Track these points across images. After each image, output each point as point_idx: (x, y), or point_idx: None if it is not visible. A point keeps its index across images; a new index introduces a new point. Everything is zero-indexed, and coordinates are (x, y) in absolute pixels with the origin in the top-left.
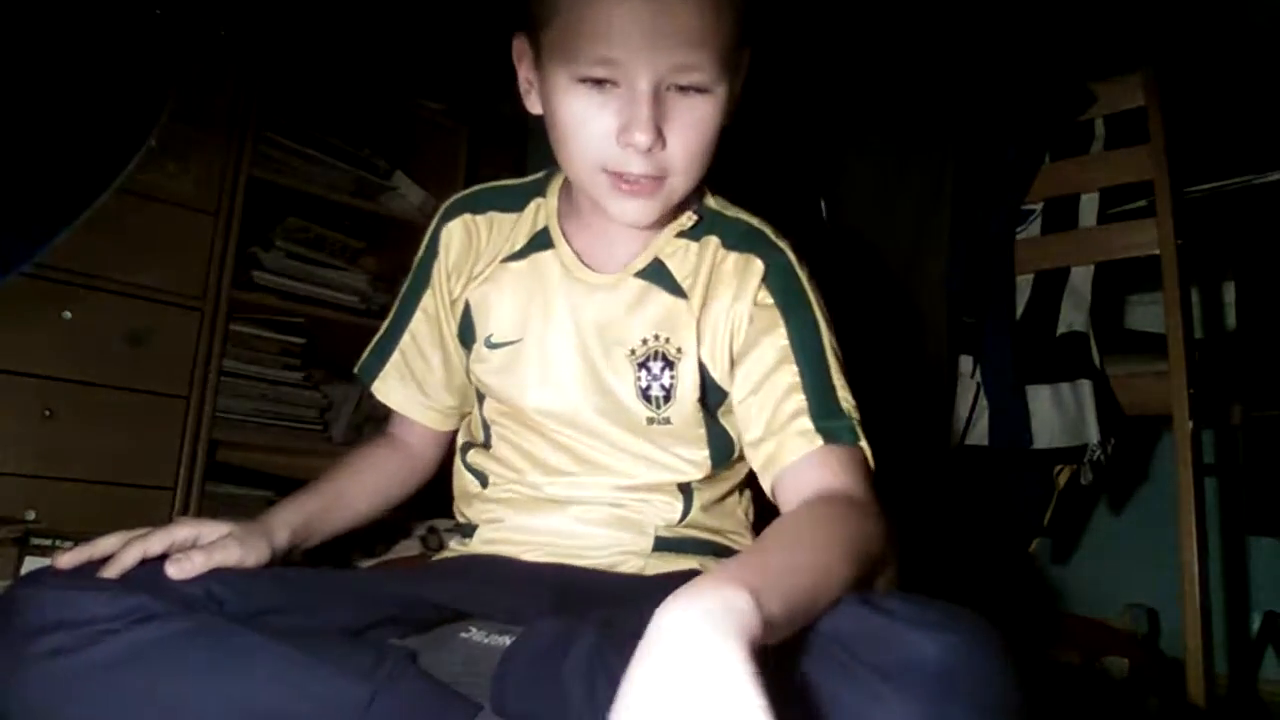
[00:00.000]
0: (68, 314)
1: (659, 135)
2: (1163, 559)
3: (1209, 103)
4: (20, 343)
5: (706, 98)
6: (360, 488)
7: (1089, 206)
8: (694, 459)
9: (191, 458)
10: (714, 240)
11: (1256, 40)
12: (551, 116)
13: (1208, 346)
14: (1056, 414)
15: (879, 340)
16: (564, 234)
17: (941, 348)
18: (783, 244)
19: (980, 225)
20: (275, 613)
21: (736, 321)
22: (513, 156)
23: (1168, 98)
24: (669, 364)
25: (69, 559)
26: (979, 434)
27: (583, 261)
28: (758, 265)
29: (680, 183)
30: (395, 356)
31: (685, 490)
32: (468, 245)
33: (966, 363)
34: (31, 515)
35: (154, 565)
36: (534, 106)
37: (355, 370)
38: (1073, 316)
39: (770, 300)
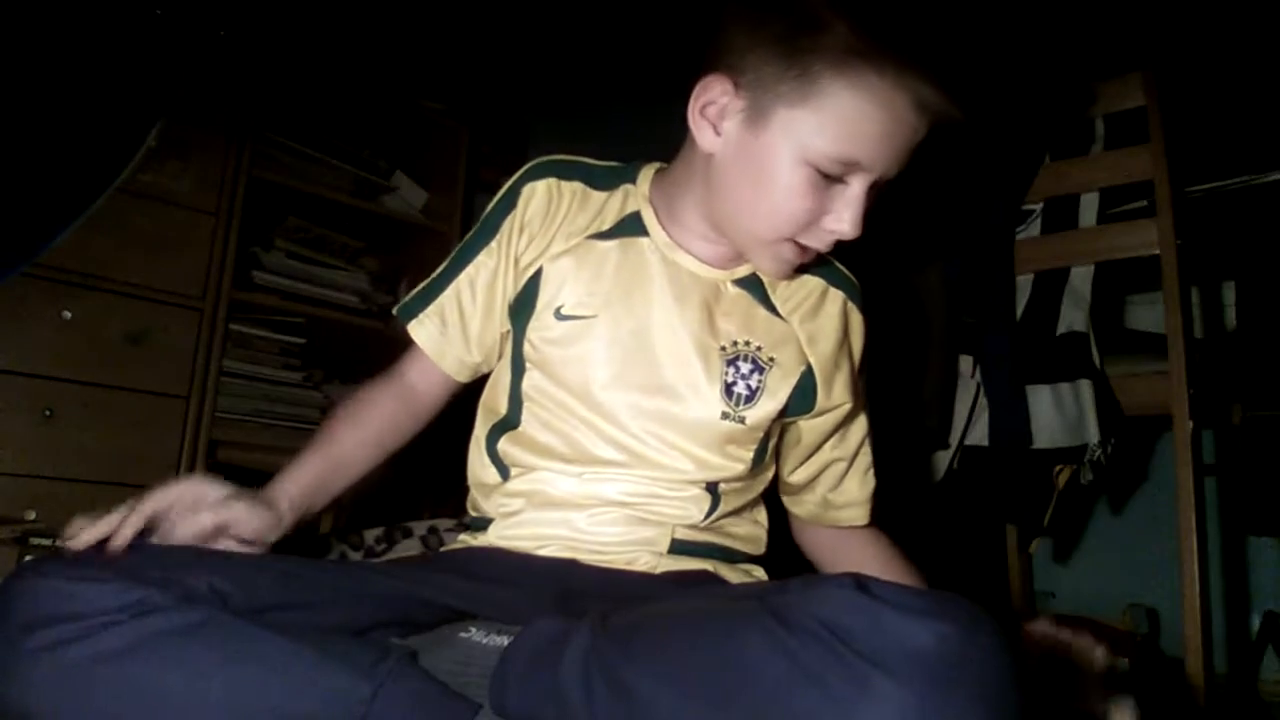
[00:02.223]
0: (68, 314)
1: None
2: (1163, 559)
3: (1209, 103)
4: (20, 343)
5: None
6: (362, 446)
7: (1089, 206)
8: (739, 457)
9: (191, 458)
10: (819, 280)
11: (1256, 40)
12: (754, 175)
13: (1208, 346)
14: (1056, 414)
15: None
16: (656, 218)
17: (941, 348)
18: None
19: (980, 225)
20: (278, 609)
21: (844, 375)
22: (513, 156)
23: (1168, 98)
24: (758, 368)
25: (86, 537)
26: (979, 434)
27: (678, 245)
28: (862, 324)
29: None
30: (440, 300)
31: (714, 491)
32: (547, 207)
33: (966, 363)
34: (31, 515)
35: (158, 557)
36: (709, 145)
37: (394, 311)
38: (1073, 316)
39: (861, 368)
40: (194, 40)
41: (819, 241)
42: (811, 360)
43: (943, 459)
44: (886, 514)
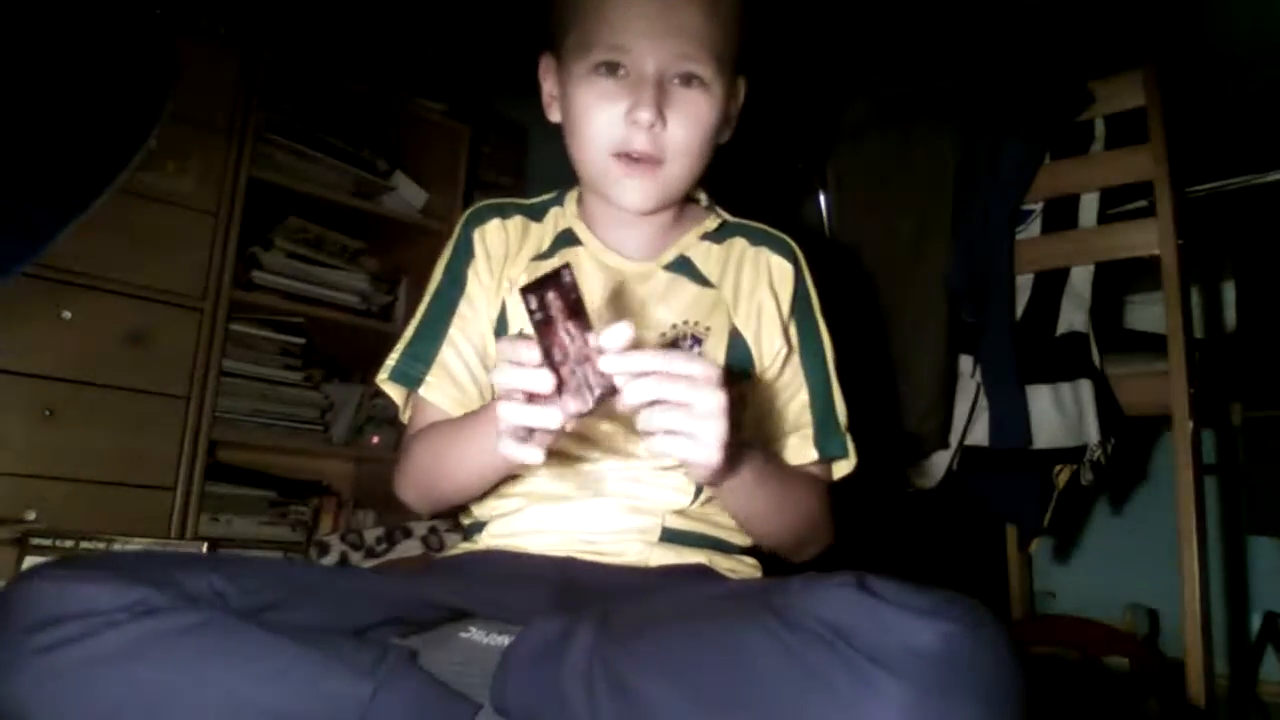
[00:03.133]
0: (68, 314)
1: (660, 116)
2: (1163, 559)
3: (1209, 103)
4: (20, 343)
5: (704, 93)
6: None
7: (1089, 206)
8: None
9: (191, 458)
10: (740, 240)
11: (1257, 40)
12: (569, 113)
13: (1208, 346)
14: (1056, 414)
15: (877, 340)
16: (588, 228)
17: (941, 348)
18: (799, 253)
19: (981, 225)
20: (277, 609)
21: (770, 321)
22: (513, 156)
23: (1168, 98)
24: (698, 342)
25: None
26: (979, 434)
27: (608, 248)
28: (788, 271)
29: (676, 170)
30: (440, 359)
31: None
32: (501, 244)
33: (966, 363)
34: (31, 515)
35: (157, 558)
36: (554, 115)
37: (386, 377)
38: (1073, 316)
39: (791, 312)
40: (194, 39)
41: (640, 141)
42: (737, 319)
43: (943, 459)
44: (888, 517)
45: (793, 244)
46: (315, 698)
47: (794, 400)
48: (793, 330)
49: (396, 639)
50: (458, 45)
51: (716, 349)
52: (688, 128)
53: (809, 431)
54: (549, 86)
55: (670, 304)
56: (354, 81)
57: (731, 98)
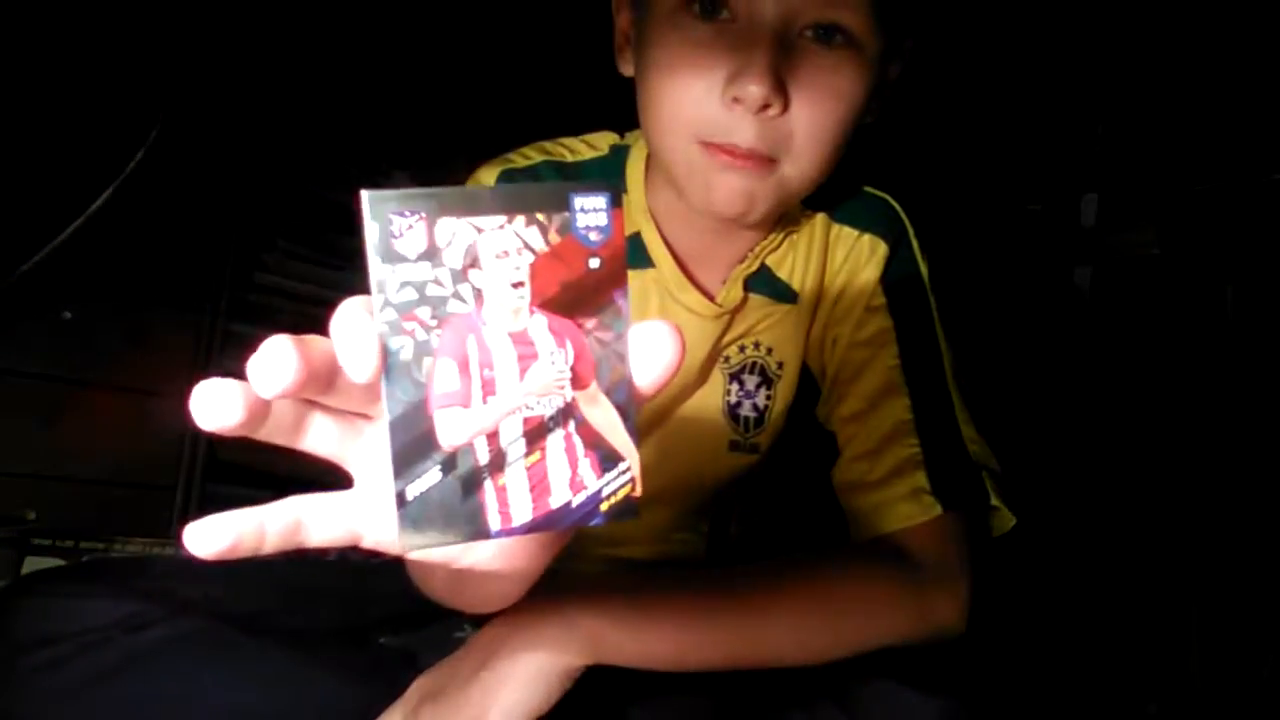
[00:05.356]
0: (68, 314)
1: (781, 91)
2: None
3: (1209, 103)
4: (20, 343)
5: (853, 56)
6: None
7: (1089, 207)
8: (745, 469)
9: (191, 458)
10: (820, 219)
11: (1257, 40)
12: (643, 70)
13: (1207, 345)
14: None
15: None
16: (662, 239)
17: None
18: (907, 223)
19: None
20: (273, 614)
21: (844, 318)
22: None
23: (1167, 97)
24: (766, 381)
25: None
26: None
27: (690, 280)
28: (881, 250)
29: (796, 173)
30: None
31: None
32: None
33: None
34: (31, 515)
35: (148, 567)
36: (626, 66)
37: None
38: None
39: (883, 301)
40: (193, 41)
41: (745, 130)
42: (813, 343)
43: None
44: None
45: (894, 208)
46: (312, 706)
47: (888, 413)
48: (875, 323)
49: (391, 637)
50: (458, 45)
51: (785, 393)
52: (822, 110)
53: (921, 475)
54: (622, 24)
55: (739, 325)
56: (354, 80)
57: (893, 62)
